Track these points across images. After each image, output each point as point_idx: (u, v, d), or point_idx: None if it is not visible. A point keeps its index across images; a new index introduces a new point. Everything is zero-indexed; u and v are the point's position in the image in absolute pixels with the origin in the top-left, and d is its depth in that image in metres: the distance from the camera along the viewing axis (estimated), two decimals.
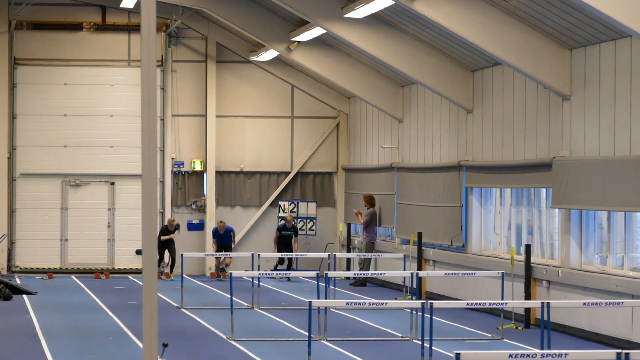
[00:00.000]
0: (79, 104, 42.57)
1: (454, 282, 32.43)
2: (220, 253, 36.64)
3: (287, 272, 36.78)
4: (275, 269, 37.13)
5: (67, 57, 42.89)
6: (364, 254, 37.32)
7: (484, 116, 33.81)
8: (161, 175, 43.04)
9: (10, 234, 42.35)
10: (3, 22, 42.42)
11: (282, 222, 38.62)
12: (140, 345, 22.31)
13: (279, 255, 36.26)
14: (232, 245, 37.53)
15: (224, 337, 24.66)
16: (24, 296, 35.23)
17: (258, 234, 43.20)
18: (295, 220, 43.12)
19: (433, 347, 20.15)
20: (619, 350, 13.96)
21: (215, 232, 36.95)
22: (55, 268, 42.33)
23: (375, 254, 38.00)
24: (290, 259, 36.62)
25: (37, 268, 42.53)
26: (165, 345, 20.15)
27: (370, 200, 39.21)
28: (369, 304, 25.31)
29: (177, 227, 37.24)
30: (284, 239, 35.15)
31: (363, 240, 39.26)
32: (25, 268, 42.56)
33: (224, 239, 36.60)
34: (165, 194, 42.95)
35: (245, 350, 22.93)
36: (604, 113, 26.81)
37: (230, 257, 36.78)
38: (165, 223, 37.95)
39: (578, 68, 28.53)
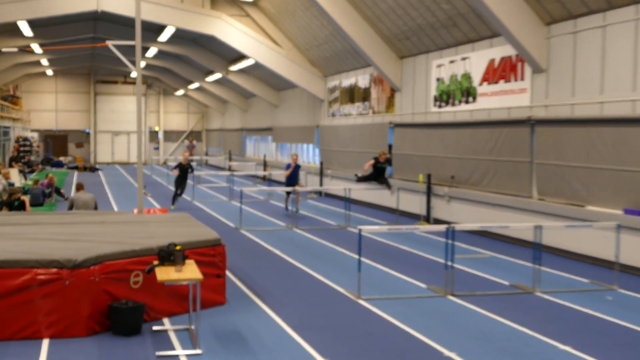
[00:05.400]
0: (116, 115, 58.91)
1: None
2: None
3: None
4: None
5: (113, 92, 58.89)
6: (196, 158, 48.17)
7: (254, 110, 45.28)
8: (146, 131, 58.08)
9: (95, 153, 58.41)
10: (92, 81, 57.72)
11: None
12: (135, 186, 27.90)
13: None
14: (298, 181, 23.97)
15: (189, 199, 27.99)
16: (99, 172, 45.20)
17: (178, 153, 58.93)
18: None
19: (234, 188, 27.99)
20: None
21: (288, 167, 23.41)
22: (107, 162, 58.03)
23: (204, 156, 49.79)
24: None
25: (104, 162, 57.87)
26: (145, 187, 24.04)
27: (191, 139, 56.94)
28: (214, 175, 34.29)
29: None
30: (378, 171, 20.52)
31: (193, 155, 50.97)
32: (104, 162, 57.96)
33: (293, 175, 23.48)
34: (146, 139, 58.13)
35: (203, 207, 27.16)
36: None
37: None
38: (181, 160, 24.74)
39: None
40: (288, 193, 23.85)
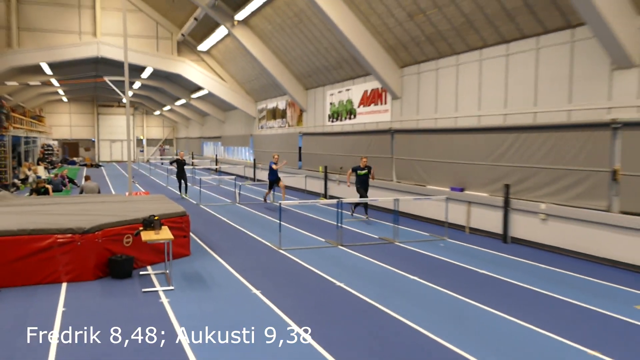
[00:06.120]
0: (113, 128, 54.84)
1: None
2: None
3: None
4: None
5: (110, 113, 54.89)
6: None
7: (209, 124, 43.65)
8: (134, 139, 55.26)
9: (98, 155, 54.09)
10: (95, 105, 53.50)
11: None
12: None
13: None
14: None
15: (164, 185, 27.36)
16: (102, 167, 42.62)
17: (157, 154, 55.96)
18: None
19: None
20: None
21: (270, 168, 17.66)
22: (109, 161, 54.28)
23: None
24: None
25: (105, 161, 54.05)
26: (133, 177, 22.39)
27: (162, 145, 52.93)
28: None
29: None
30: (361, 178, 15.41)
31: (164, 155, 48.99)
32: (104, 160, 54.07)
33: (275, 173, 17.48)
34: (134, 145, 55.27)
35: (174, 190, 25.24)
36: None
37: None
38: (178, 157, 21.31)
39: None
40: (271, 188, 18.56)
